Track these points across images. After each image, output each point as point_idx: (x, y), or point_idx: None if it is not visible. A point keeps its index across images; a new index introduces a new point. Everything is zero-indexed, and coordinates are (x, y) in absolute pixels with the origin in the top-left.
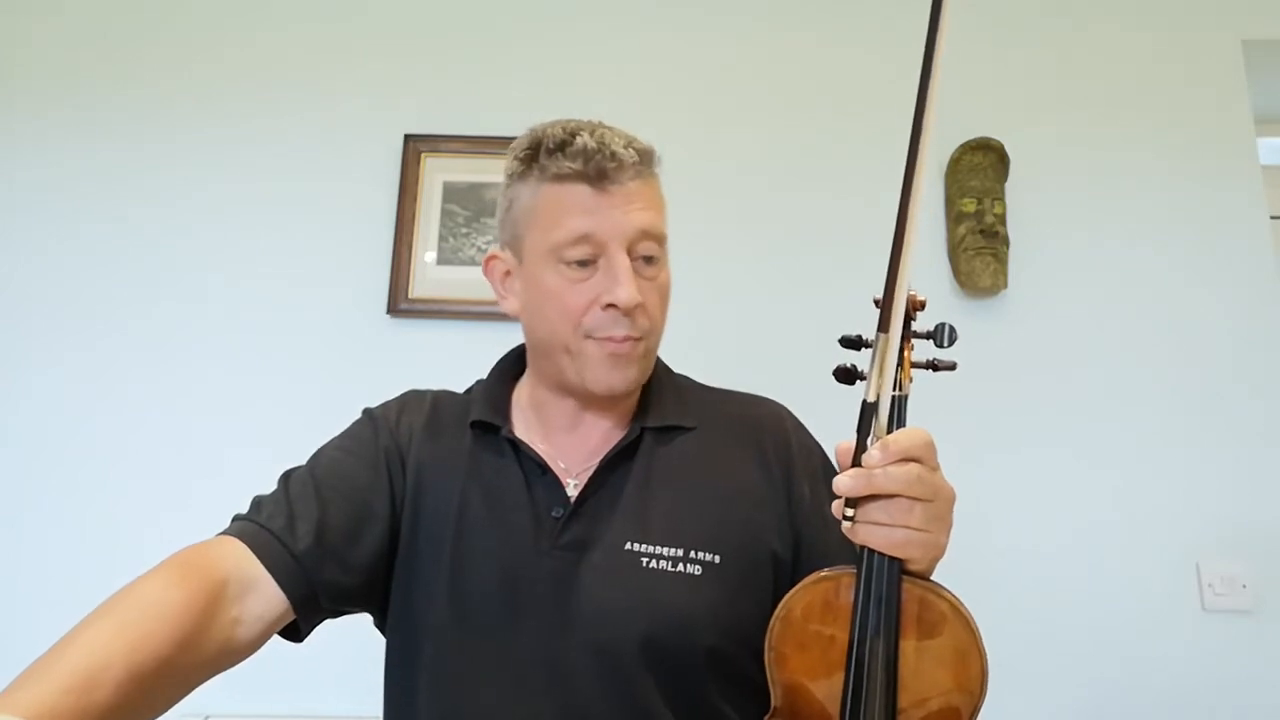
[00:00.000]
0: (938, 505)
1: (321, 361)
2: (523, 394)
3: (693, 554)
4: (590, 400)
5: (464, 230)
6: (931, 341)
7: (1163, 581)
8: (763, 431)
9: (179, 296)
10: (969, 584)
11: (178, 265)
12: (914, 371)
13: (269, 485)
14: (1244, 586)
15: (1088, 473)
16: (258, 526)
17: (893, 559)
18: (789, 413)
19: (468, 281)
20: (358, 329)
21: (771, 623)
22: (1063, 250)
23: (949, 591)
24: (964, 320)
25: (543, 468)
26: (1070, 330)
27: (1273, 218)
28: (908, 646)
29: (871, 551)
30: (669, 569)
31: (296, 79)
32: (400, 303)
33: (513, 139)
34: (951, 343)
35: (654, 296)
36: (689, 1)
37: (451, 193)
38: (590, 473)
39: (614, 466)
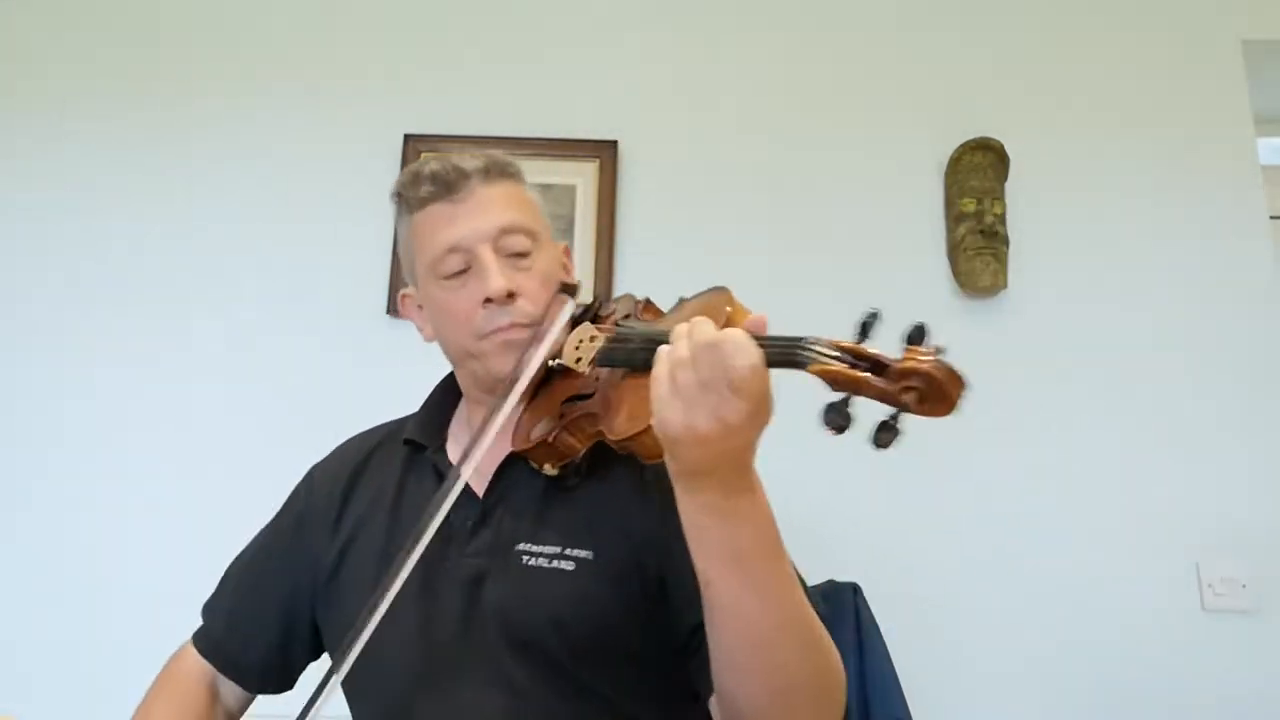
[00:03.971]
0: None
1: (321, 361)
2: (460, 414)
3: (568, 550)
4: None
5: None
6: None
7: (1163, 581)
8: None
9: (178, 296)
10: (968, 583)
11: (177, 265)
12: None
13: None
14: (1244, 586)
15: (1087, 472)
16: (216, 649)
17: None
18: None
19: None
20: (357, 329)
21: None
22: (1063, 250)
23: None
24: (964, 320)
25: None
26: (1070, 330)
27: (1273, 218)
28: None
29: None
30: (545, 565)
31: (297, 79)
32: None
33: (513, 139)
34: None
35: (534, 284)
36: (689, 3)
37: None
38: (488, 480)
39: (511, 466)
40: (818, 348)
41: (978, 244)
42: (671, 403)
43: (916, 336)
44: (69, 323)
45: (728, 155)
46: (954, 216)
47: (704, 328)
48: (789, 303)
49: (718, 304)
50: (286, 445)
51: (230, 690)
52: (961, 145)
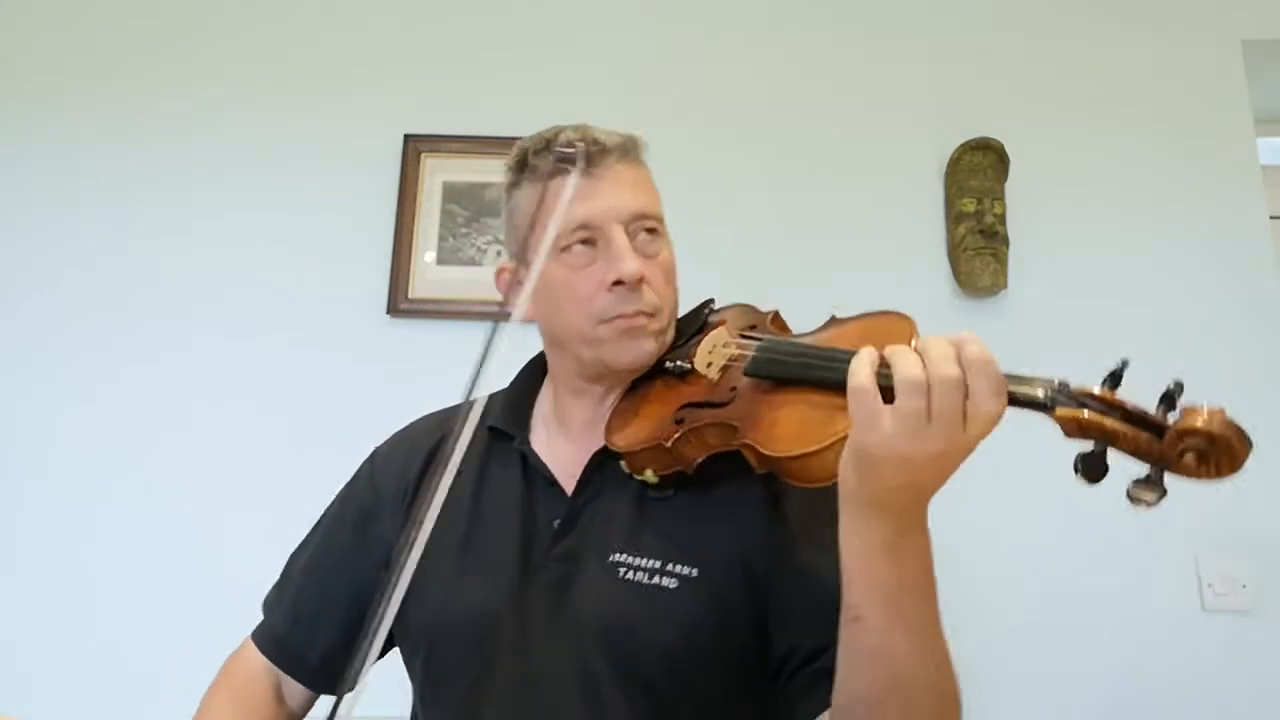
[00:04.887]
0: None
1: (321, 361)
2: (544, 403)
3: (670, 566)
4: (612, 386)
5: (464, 230)
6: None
7: (1163, 581)
8: None
9: (178, 295)
10: (969, 584)
11: (177, 265)
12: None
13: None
14: (1244, 586)
15: None
16: (278, 646)
17: None
18: None
19: (468, 281)
20: (357, 329)
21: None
22: (1063, 250)
23: None
24: (964, 320)
25: (550, 480)
26: (1070, 330)
27: (1273, 218)
28: None
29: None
30: (645, 581)
31: (297, 79)
32: (400, 303)
33: (513, 139)
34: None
35: (658, 275)
36: (689, 5)
37: (451, 193)
38: (577, 478)
39: (602, 466)
40: (1066, 393)
41: (978, 244)
42: (895, 424)
43: (1177, 392)
44: (67, 322)
45: (728, 155)
46: (954, 216)
47: (978, 352)
48: (789, 303)
49: (898, 332)
50: (287, 446)
51: (293, 690)
52: (961, 145)
